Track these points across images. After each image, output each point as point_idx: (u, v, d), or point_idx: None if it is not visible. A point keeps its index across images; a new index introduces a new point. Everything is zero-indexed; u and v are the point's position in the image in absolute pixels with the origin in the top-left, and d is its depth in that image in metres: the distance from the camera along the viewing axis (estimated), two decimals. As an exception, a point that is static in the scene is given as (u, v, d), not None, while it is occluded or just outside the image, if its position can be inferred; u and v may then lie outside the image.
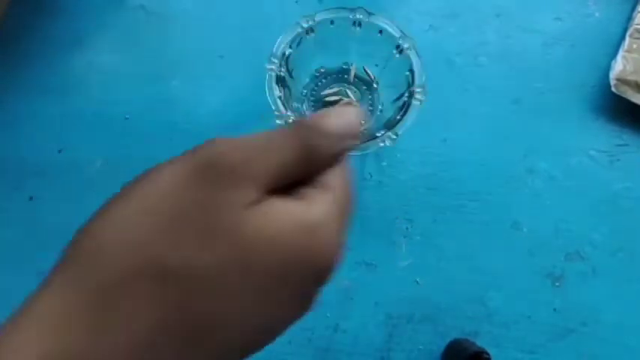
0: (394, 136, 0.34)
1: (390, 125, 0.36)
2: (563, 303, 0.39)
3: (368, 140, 0.35)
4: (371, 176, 0.42)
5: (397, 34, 0.37)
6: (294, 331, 0.37)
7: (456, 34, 0.47)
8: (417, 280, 0.39)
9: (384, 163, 0.41)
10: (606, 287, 0.39)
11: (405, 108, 0.36)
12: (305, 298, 0.17)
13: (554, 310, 0.39)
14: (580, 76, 0.46)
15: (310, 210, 0.16)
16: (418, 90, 0.36)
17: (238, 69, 0.45)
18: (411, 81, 0.36)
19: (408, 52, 0.36)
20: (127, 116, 0.43)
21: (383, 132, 0.35)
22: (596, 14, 0.48)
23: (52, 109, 0.43)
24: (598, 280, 0.40)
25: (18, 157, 0.42)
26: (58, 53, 0.45)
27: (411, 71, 0.36)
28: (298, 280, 0.16)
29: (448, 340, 0.38)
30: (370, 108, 0.42)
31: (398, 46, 0.37)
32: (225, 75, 0.45)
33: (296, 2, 0.47)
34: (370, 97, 0.42)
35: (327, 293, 0.39)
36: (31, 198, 0.40)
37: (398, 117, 0.36)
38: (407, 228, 0.40)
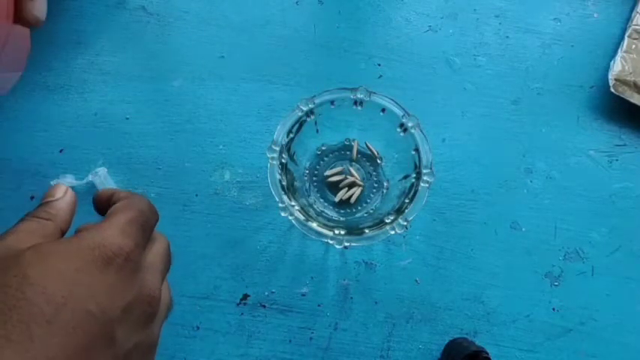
0: (404, 223, 0.33)
1: (399, 210, 0.34)
2: (562, 302, 0.39)
3: (377, 225, 0.34)
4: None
5: (400, 113, 0.35)
6: (294, 330, 0.38)
7: (455, 35, 0.47)
8: (417, 279, 0.39)
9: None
10: (605, 287, 0.40)
11: (412, 190, 0.34)
12: None
13: (553, 309, 0.39)
14: (579, 76, 0.46)
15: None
16: (425, 171, 0.34)
17: (239, 69, 0.45)
18: (417, 161, 0.35)
19: (413, 131, 0.35)
20: (127, 116, 0.43)
21: (392, 218, 0.34)
22: (595, 15, 0.48)
23: (52, 109, 0.43)
24: (596, 279, 0.40)
25: (18, 157, 0.42)
26: (58, 53, 0.45)
27: (417, 150, 0.35)
28: None
29: (447, 339, 0.38)
30: (375, 185, 0.41)
31: (402, 125, 0.36)
32: (225, 75, 0.45)
33: (296, 3, 0.47)
34: (375, 173, 0.41)
35: (327, 293, 0.39)
36: (31, 198, 0.40)
37: (406, 200, 0.34)
38: (406, 227, 0.41)
